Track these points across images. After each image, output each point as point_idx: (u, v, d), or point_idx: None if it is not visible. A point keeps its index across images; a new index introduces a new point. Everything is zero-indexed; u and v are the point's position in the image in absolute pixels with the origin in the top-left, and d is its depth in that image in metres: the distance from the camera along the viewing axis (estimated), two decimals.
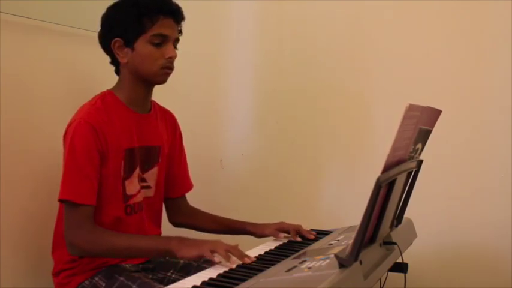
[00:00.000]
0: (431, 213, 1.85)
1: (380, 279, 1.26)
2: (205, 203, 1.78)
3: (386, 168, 1.01)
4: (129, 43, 1.48)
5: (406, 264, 1.33)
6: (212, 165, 2.21)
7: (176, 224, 1.73)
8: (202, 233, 1.68)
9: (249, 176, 2.18)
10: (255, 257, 1.32)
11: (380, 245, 1.25)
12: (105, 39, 1.51)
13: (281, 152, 2.14)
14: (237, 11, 2.19)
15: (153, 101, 1.62)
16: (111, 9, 1.51)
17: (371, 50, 1.99)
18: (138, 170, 1.53)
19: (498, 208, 1.83)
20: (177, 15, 1.52)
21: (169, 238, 1.38)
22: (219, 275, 1.16)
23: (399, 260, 1.32)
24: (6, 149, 1.51)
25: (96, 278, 1.45)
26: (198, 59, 2.17)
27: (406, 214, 1.41)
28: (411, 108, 1.04)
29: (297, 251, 1.37)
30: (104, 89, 1.54)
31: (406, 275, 1.33)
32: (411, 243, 1.51)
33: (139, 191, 1.54)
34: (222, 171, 2.21)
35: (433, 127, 1.33)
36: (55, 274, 1.50)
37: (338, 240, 1.39)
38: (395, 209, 1.32)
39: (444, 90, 1.88)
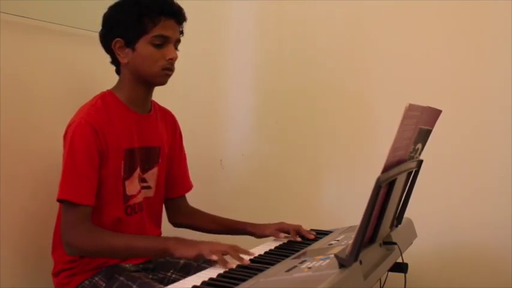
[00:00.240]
0: (431, 213, 1.85)
1: (380, 279, 1.26)
2: (205, 203, 1.77)
3: (387, 168, 1.01)
4: (130, 43, 1.47)
5: (406, 264, 1.33)
6: (212, 165, 2.21)
7: (176, 225, 1.73)
8: (202, 233, 1.68)
9: (249, 176, 2.18)
10: (255, 257, 1.32)
11: (380, 245, 1.25)
12: (106, 39, 1.50)
13: (281, 152, 2.14)
14: (237, 11, 2.19)
15: (153, 101, 1.62)
16: (112, 9, 1.50)
17: (371, 50, 2.00)
18: (138, 170, 1.53)
19: (498, 208, 1.83)
20: (178, 16, 1.51)
21: (166, 238, 1.39)
22: (219, 275, 1.16)
23: (399, 260, 1.32)
24: (6, 149, 1.51)
25: (96, 278, 1.45)
26: (198, 59, 2.17)
27: (406, 214, 1.41)
28: (411, 108, 1.04)
29: (297, 251, 1.37)
30: (104, 89, 1.53)
31: (406, 275, 1.33)
32: (411, 243, 1.51)
33: (139, 191, 1.54)
34: (222, 171, 2.21)
35: (433, 127, 1.33)
36: (55, 274, 1.50)
37: (338, 240, 1.39)
38: (395, 209, 1.32)
39: (444, 90, 1.88)
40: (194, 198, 1.75)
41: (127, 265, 1.49)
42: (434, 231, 1.86)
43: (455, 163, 1.88)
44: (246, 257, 1.29)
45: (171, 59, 1.48)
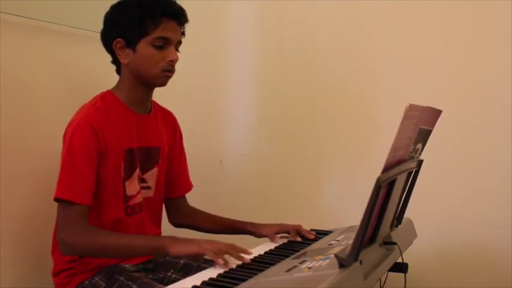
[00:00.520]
0: (431, 213, 1.85)
1: (380, 279, 1.26)
2: (205, 203, 1.77)
3: (387, 168, 1.01)
4: (131, 44, 1.47)
5: (406, 264, 1.33)
6: (212, 165, 2.21)
7: (176, 225, 1.73)
8: (202, 233, 1.68)
9: (249, 176, 2.18)
10: (255, 257, 1.32)
11: (380, 245, 1.25)
12: (107, 39, 1.50)
13: (281, 152, 2.14)
14: (237, 11, 2.19)
15: (154, 102, 1.62)
16: (114, 9, 1.50)
17: (371, 50, 1.99)
18: (138, 171, 1.53)
19: (498, 208, 1.83)
20: (180, 18, 1.50)
21: (162, 236, 1.39)
22: (219, 275, 1.16)
23: (399, 260, 1.32)
24: (6, 149, 1.51)
25: (96, 278, 1.45)
26: (198, 59, 2.17)
27: (406, 214, 1.41)
28: (411, 108, 1.04)
29: (297, 251, 1.37)
30: (104, 89, 1.53)
31: (406, 275, 1.33)
32: (411, 243, 1.51)
33: (139, 192, 1.54)
34: (222, 171, 2.21)
35: (433, 127, 1.33)
36: (55, 274, 1.50)
37: (338, 240, 1.39)
38: (395, 209, 1.32)
39: (444, 90, 1.88)
40: (194, 198, 1.75)
41: (127, 265, 1.49)
42: (434, 231, 1.86)
43: (455, 163, 1.88)
44: (246, 256, 1.29)
45: (171, 60, 1.48)
